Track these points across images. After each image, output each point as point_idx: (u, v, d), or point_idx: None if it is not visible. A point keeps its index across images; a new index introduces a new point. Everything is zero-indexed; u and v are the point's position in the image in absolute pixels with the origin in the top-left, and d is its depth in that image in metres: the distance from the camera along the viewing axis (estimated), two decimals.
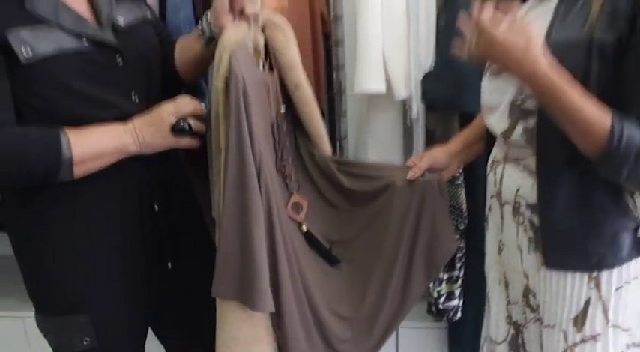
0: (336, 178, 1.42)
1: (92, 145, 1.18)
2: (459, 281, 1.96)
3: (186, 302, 1.41)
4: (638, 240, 1.12)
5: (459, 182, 1.82)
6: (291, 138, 1.40)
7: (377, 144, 1.95)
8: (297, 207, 1.37)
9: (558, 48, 1.02)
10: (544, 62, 0.98)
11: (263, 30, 1.30)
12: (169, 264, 1.37)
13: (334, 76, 2.26)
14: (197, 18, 1.82)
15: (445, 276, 1.94)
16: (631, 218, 1.10)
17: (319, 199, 1.43)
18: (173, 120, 1.22)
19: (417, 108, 1.81)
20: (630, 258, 1.11)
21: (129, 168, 1.24)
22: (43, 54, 1.13)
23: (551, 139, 1.08)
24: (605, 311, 1.12)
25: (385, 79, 1.79)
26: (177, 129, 1.22)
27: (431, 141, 1.87)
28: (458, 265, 1.94)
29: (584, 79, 1.00)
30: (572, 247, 1.12)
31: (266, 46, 1.31)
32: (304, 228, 1.38)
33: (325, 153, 1.43)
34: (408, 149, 1.96)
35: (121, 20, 1.27)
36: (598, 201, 1.09)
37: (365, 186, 1.41)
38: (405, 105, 1.89)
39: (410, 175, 1.38)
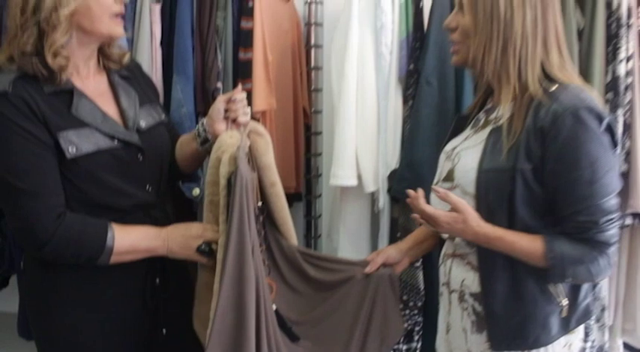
0: (302, 267, 1.59)
1: (130, 243, 1.41)
2: None
3: None
4: (563, 321, 1.33)
5: (418, 264, 2.05)
6: (264, 229, 1.58)
7: (347, 228, 2.16)
8: (269, 288, 1.54)
9: (489, 174, 1.29)
10: (480, 228, 1.28)
11: (248, 136, 1.51)
12: (164, 331, 1.55)
13: (312, 161, 2.54)
14: (197, 114, 2.08)
15: (404, 347, 2.15)
16: (555, 303, 1.32)
17: (282, 284, 1.59)
18: (200, 242, 1.44)
19: (383, 199, 2.05)
20: (559, 335, 1.34)
21: None
22: (84, 152, 1.37)
23: (488, 253, 1.32)
24: None
25: (357, 174, 2.04)
26: (201, 251, 1.45)
27: (394, 227, 2.08)
28: (416, 337, 2.15)
29: (511, 196, 1.27)
30: (512, 331, 1.33)
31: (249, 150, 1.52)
32: (274, 306, 1.50)
33: (292, 244, 1.60)
34: (374, 233, 2.18)
35: (143, 124, 1.52)
36: (529, 292, 1.31)
37: (329, 277, 1.59)
38: (373, 196, 2.12)
39: (367, 269, 1.59)
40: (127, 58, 1.55)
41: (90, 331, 1.45)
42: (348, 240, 2.17)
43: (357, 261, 1.66)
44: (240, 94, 1.50)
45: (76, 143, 1.36)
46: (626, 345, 2.21)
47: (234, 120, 1.50)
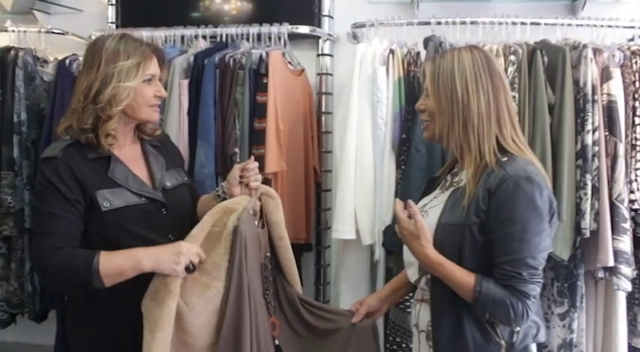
0: (300, 312, 1.80)
1: (116, 265, 1.59)
2: None
3: None
4: None
5: (410, 310, 2.26)
6: (272, 276, 1.79)
7: (349, 276, 2.40)
8: (273, 326, 1.75)
9: (445, 227, 1.51)
10: (426, 249, 1.49)
11: (260, 198, 1.79)
12: None
13: (322, 215, 2.80)
14: (217, 175, 2.36)
15: None
16: (494, 343, 1.47)
17: (286, 324, 1.80)
18: (187, 261, 1.58)
19: (378, 251, 2.29)
20: None
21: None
22: (116, 206, 1.67)
23: (438, 289, 1.52)
24: None
25: (355, 229, 2.29)
26: (187, 269, 1.58)
27: (389, 276, 2.29)
28: None
29: (461, 247, 1.48)
30: None
31: (261, 209, 1.79)
32: (276, 342, 1.73)
33: (295, 291, 1.83)
34: (372, 280, 2.41)
35: (168, 184, 1.82)
36: (469, 330, 1.48)
37: (321, 324, 1.80)
38: (371, 248, 2.35)
39: (353, 320, 1.79)
40: (158, 133, 1.88)
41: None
42: (350, 286, 2.40)
43: (345, 311, 1.87)
44: (252, 164, 1.79)
45: (109, 199, 1.66)
46: None
47: (247, 185, 1.79)
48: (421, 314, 1.64)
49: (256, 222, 1.76)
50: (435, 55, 1.63)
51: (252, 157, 1.85)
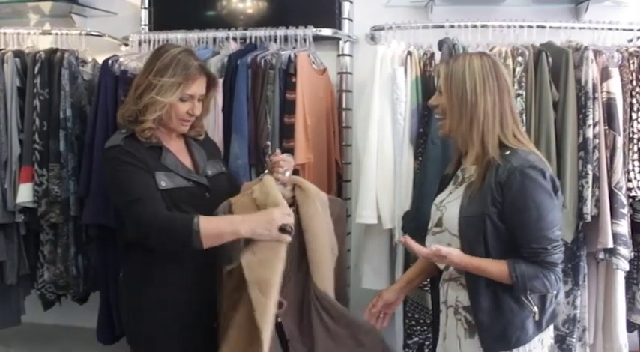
0: (317, 309, 1.93)
1: (215, 226, 1.80)
2: None
3: None
4: (536, 323, 1.68)
5: (427, 288, 2.45)
6: (297, 262, 1.94)
7: (370, 259, 2.59)
8: (280, 304, 1.85)
9: (467, 219, 1.69)
10: (461, 260, 1.67)
11: (293, 189, 1.98)
12: (215, 324, 2.00)
13: None
14: (250, 166, 2.56)
15: None
16: (529, 310, 1.67)
17: (294, 308, 1.93)
18: (280, 224, 1.78)
19: (398, 236, 2.47)
20: (534, 335, 1.68)
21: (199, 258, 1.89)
22: (170, 187, 1.90)
23: (472, 275, 1.70)
24: None
25: (377, 215, 2.48)
26: (283, 229, 1.77)
27: (407, 258, 2.48)
28: (426, 351, 2.54)
29: (484, 234, 1.66)
30: (497, 336, 1.67)
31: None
32: (279, 319, 1.86)
33: (316, 290, 1.92)
34: (392, 262, 2.60)
35: (209, 172, 2.06)
36: (507, 304, 1.67)
37: (337, 328, 1.94)
38: (391, 233, 2.54)
39: (372, 323, 1.97)
40: (201, 138, 2.12)
41: (167, 326, 1.93)
42: (371, 268, 2.60)
43: (363, 322, 2.00)
44: (277, 156, 1.99)
45: (165, 180, 1.90)
46: None
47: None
48: (449, 293, 1.83)
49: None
50: (449, 59, 1.83)
51: (278, 150, 2.05)
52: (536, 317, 1.69)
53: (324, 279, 1.96)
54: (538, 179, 1.64)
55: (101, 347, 2.87)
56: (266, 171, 2.02)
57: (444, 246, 1.72)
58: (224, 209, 1.92)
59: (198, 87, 1.96)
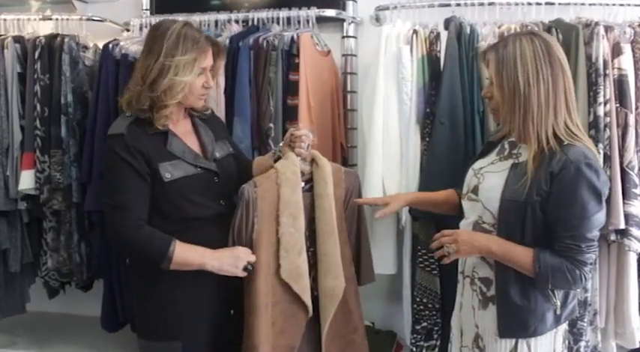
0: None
1: (186, 258, 1.80)
2: (436, 350, 2.52)
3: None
4: (556, 317, 1.70)
5: (435, 272, 2.42)
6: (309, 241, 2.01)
7: (376, 243, 2.53)
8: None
9: (510, 203, 1.65)
10: (487, 246, 1.67)
11: (310, 163, 2.01)
12: (232, 311, 1.98)
13: None
14: (253, 149, 2.53)
15: (425, 344, 2.51)
16: (552, 303, 1.68)
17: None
18: (245, 263, 1.84)
19: (405, 218, 2.45)
20: (552, 327, 1.71)
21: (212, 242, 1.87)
22: (176, 177, 1.84)
23: (502, 266, 1.69)
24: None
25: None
26: (246, 269, 1.85)
27: (415, 242, 2.46)
28: (435, 336, 2.50)
29: (523, 222, 1.63)
30: (517, 322, 1.67)
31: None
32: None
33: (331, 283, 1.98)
34: (399, 246, 2.57)
35: (218, 154, 2.00)
36: (533, 293, 1.67)
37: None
38: (398, 216, 2.50)
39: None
40: (208, 112, 2.07)
41: (178, 311, 1.89)
42: (378, 251, 2.52)
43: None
44: (299, 131, 1.98)
45: (170, 171, 1.84)
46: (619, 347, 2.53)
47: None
48: (467, 262, 1.84)
49: (303, 186, 1.98)
50: (497, 44, 1.72)
51: (300, 124, 2.06)
52: (558, 311, 1.69)
53: (333, 264, 1.97)
54: (592, 179, 1.58)
55: (106, 334, 2.84)
56: (281, 144, 2.03)
57: (474, 215, 1.77)
58: (249, 190, 1.90)
59: (209, 58, 1.92)
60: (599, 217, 1.61)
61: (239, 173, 2.07)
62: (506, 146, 1.79)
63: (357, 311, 2.09)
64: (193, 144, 1.97)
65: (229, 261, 1.83)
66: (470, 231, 1.76)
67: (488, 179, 1.75)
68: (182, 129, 1.96)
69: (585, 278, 1.62)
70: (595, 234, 1.62)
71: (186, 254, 1.81)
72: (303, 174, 1.99)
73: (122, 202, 1.80)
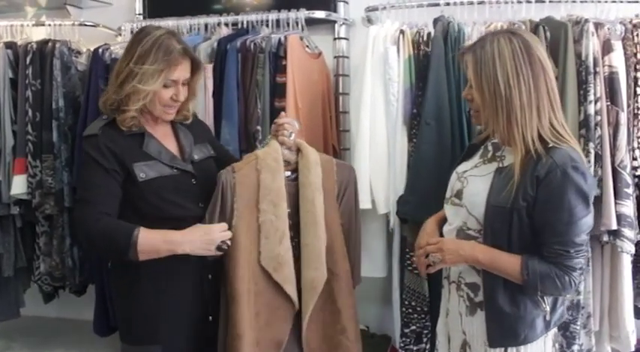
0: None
1: (153, 244, 1.74)
2: None
3: None
4: (546, 323, 1.64)
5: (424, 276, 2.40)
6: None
7: (366, 245, 2.43)
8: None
9: (495, 208, 1.59)
10: (472, 255, 1.62)
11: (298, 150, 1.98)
12: (210, 318, 1.95)
13: None
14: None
15: (415, 348, 2.48)
16: (541, 309, 1.62)
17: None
18: (218, 243, 1.79)
19: (393, 220, 2.42)
20: (542, 334, 1.64)
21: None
22: (151, 177, 1.83)
23: (490, 273, 1.63)
24: None
25: (371, 199, 2.42)
26: (220, 249, 1.79)
27: (404, 243, 2.43)
28: (424, 339, 2.47)
29: (510, 228, 1.57)
30: (506, 329, 1.61)
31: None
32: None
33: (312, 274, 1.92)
34: (389, 248, 2.54)
35: (197, 157, 1.99)
36: (522, 300, 1.61)
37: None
38: (386, 218, 2.49)
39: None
40: (188, 122, 2.04)
41: (157, 315, 1.88)
42: (367, 254, 2.47)
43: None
44: (282, 119, 1.98)
45: (145, 171, 1.84)
46: (614, 350, 2.47)
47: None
48: (452, 268, 1.78)
49: (287, 174, 1.95)
50: (474, 45, 1.67)
51: (283, 113, 2.03)
52: (547, 317, 1.65)
53: (313, 255, 1.92)
54: (579, 183, 1.53)
55: (100, 338, 2.84)
56: (269, 137, 2.01)
57: (459, 221, 1.71)
58: (227, 176, 1.88)
59: (181, 71, 1.88)
60: (587, 221, 1.57)
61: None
62: (490, 148, 1.75)
63: (347, 311, 1.98)
64: (171, 146, 1.96)
65: (201, 244, 1.78)
66: (455, 239, 1.71)
67: (473, 183, 1.71)
68: (161, 132, 1.96)
69: (575, 284, 1.57)
70: (583, 238, 1.56)
71: (153, 239, 1.76)
72: (289, 163, 1.96)
73: (87, 197, 1.80)
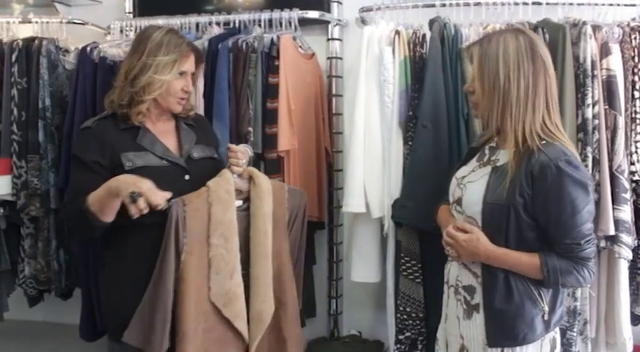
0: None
1: (96, 197, 1.76)
2: None
3: None
4: (545, 323, 1.64)
5: (419, 280, 2.33)
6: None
7: (360, 249, 2.49)
8: None
9: (492, 206, 1.63)
10: (489, 252, 1.62)
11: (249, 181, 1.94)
12: None
13: (334, 194, 2.89)
14: None
15: None
16: (539, 308, 1.63)
17: None
18: (133, 189, 1.71)
19: (387, 224, 2.37)
20: (542, 335, 1.65)
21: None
22: (137, 165, 1.85)
23: (489, 269, 1.65)
24: None
25: (365, 203, 2.37)
26: (131, 197, 1.70)
27: (399, 247, 2.37)
28: (420, 346, 2.40)
29: (507, 224, 1.60)
30: (505, 329, 1.63)
31: None
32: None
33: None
34: (383, 253, 2.49)
35: (196, 155, 2.00)
36: (519, 299, 1.63)
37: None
38: (380, 222, 2.42)
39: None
40: (191, 114, 2.10)
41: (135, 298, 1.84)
42: (361, 259, 2.50)
43: None
44: (235, 146, 1.97)
45: (132, 160, 1.87)
46: None
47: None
48: (451, 272, 1.80)
49: (238, 203, 1.91)
50: (482, 39, 1.72)
51: (232, 145, 2.00)
52: (545, 317, 1.66)
53: (262, 287, 1.91)
54: (574, 174, 1.56)
55: (85, 343, 2.77)
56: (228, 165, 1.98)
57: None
58: (177, 209, 1.80)
59: (190, 63, 2.01)
60: (590, 208, 1.60)
61: None
62: (487, 151, 1.77)
63: (293, 340, 1.98)
64: (170, 142, 2.00)
65: (123, 185, 1.74)
66: (472, 237, 1.67)
67: (470, 189, 1.72)
68: (161, 129, 2.00)
69: (593, 273, 1.62)
70: (590, 226, 1.60)
71: (94, 193, 1.78)
72: (241, 192, 1.93)
73: (69, 187, 1.96)
